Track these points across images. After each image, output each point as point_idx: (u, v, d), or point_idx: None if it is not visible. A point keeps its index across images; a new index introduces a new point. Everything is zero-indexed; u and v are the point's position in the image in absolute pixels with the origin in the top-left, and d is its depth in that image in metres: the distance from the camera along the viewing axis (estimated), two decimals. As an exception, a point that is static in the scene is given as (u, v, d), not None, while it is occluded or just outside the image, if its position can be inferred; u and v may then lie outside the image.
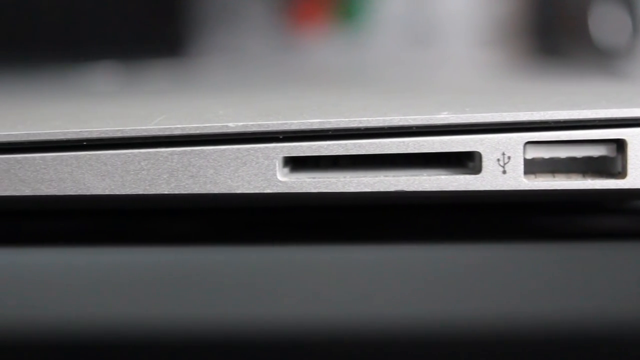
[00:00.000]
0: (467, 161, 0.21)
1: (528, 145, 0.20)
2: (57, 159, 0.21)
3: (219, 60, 0.58)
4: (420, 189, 0.21)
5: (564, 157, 0.21)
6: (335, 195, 0.21)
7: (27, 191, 0.21)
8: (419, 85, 0.34)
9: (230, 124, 0.20)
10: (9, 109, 0.26)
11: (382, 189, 0.21)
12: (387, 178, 0.21)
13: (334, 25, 0.65)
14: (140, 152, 0.20)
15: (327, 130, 0.20)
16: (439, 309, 0.18)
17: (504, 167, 0.20)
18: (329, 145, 0.20)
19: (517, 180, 0.20)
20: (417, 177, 0.21)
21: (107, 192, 0.21)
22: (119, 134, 0.20)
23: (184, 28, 0.62)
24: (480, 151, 0.20)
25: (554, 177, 0.21)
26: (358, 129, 0.20)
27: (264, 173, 0.20)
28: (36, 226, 0.24)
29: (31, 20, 0.60)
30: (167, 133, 0.20)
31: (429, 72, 0.48)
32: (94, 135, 0.20)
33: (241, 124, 0.20)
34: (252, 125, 0.20)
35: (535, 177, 0.21)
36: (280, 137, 0.20)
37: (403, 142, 0.20)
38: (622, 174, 0.20)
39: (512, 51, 0.66)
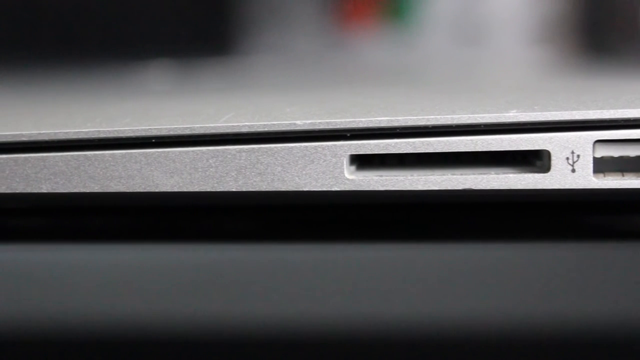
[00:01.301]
0: (534, 159, 0.21)
1: (597, 144, 0.20)
2: (126, 156, 0.21)
3: (269, 59, 0.58)
4: (488, 187, 0.21)
5: (634, 155, 0.20)
6: (401, 193, 0.21)
7: (96, 188, 0.21)
8: (477, 84, 0.33)
9: (298, 122, 0.20)
10: (73, 107, 0.26)
11: (449, 187, 0.21)
12: (454, 176, 0.21)
13: (384, 24, 0.65)
14: (208, 150, 0.21)
15: (395, 129, 0.20)
16: (501, 308, 0.17)
17: (573, 166, 0.20)
18: (396, 143, 0.20)
19: (587, 179, 0.20)
20: (485, 176, 0.21)
21: (175, 189, 0.21)
22: (187, 132, 0.21)
23: (234, 27, 0.63)
24: (550, 150, 0.20)
25: (623, 176, 0.21)
26: (426, 127, 0.20)
27: (331, 171, 0.21)
28: (89, 223, 0.25)
29: (86, 22, 0.61)
30: (235, 131, 0.20)
31: (482, 70, 0.48)
32: (163, 133, 0.21)
33: (309, 121, 0.20)
34: (320, 123, 0.20)
35: (604, 176, 0.21)
36: (348, 135, 0.20)
37: (471, 140, 0.20)
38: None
39: (563, 49, 0.65)
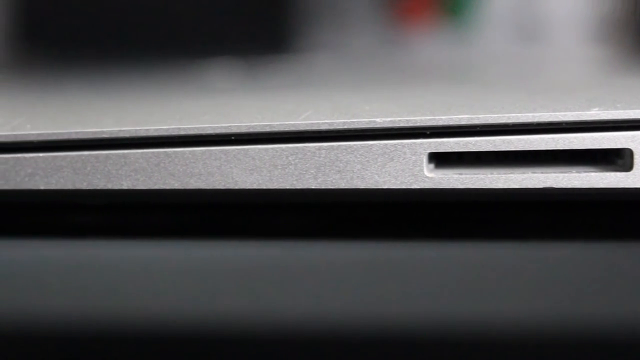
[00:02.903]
0: (615, 158, 0.21)
1: None
2: (206, 154, 0.21)
3: (331, 56, 0.58)
4: (569, 185, 0.20)
5: None
6: (480, 191, 0.21)
7: (176, 185, 0.21)
8: (548, 82, 0.33)
9: (378, 120, 0.20)
10: (151, 104, 0.27)
11: (530, 186, 0.20)
12: (535, 174, 0.20)
13: (443, 21, 0.65)
14: (288, 147, 0.21)
15: (475, 126, 0.20)
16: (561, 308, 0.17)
17: (656, 165, 0.20)
18: (476, 141, 0.20)
19: (670, 178, 0.20)
20: (566, 174, 0.20)
21: (254, 187, 0.21)
22: (267, 129, 0.21)
23: (295, 25, 0.63)
24: (632, 148, 0.20)
25: None
26: (506, 125, 0.20)
27: (411, 169, 0.21)
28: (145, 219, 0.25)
29: (153, 24, 0.62)
30: (315, 128, 0.20)
31: (548, 68, 0.47)
32: (243, 130, 0.21)
33: (389, 119, 0.20)
34: (399, 120, 0.20)
35: None
36: (428, 132, 0.20)
37: (552, 138, 0.20)
38: None
39: (624, 47, 0.64)
